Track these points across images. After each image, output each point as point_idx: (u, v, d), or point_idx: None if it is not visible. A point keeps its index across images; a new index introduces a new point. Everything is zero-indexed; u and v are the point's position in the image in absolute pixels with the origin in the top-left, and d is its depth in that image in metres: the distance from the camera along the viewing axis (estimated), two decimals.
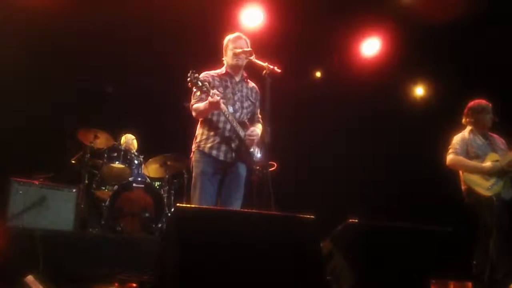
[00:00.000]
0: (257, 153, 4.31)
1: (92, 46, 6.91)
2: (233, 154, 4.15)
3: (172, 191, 6.54)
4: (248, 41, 4.38)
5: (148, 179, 6.49)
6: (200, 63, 4.61)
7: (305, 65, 8.39)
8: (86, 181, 6.11)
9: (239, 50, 4.25)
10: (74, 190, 5.14)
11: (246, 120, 4.30)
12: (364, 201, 7.46)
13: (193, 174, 4.19)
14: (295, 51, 7.59)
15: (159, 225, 5.98)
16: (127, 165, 6.26)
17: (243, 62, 4.30)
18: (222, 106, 3.95)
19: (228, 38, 4.38)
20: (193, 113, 4.16)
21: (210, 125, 4.17)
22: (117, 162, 6.23)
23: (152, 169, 6.62)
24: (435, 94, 8.47)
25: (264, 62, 4.18)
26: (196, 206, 3.82)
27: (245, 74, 4.42)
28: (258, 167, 4.27)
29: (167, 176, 6.51)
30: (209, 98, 3.89)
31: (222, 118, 4.12)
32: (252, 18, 7.30)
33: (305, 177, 8.07)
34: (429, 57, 7.58)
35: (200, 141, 4.19)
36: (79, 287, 3.70)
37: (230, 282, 2.70)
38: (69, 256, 4.28)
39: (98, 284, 3.40)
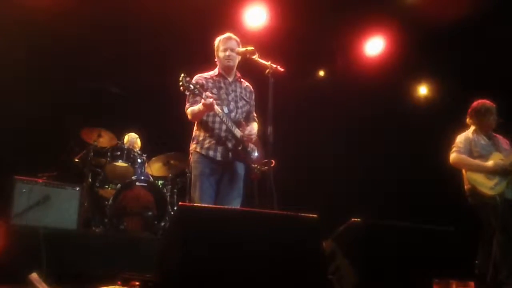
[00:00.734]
0: (255, 152, 4.35)
1: (96, 46, 6.92)
2: (230, 154, 4.19)
3: (175, 190, 6.55)
4: (238, 41, 4.38)
5: (151, 178, 6.50)
6: (203, 63, 4.63)
7: (309, 64, 8.38)
8: (90, 180, 6.14)
9: (228, 53, 4.28)
10: (77, 189, 5.14)
11: (241, 120, 4.32)
12: (365, 201, 7.45)
13: (192, 176, 4.24)
14: (298, 50, 7.58)
15: (162, 224, 5.99)
16: (130, 164, 6.28)
17: (235, 63, 4.35)
18: (216, 107, 4.00)
19: (218, 39, 4.39)
20: (189, 116, 4.22)
21: (206, 126, 4.22)
22: (120, 161, 6.25)
23: (155, 168, 6.63)
24: (438, 93, 8.46)
25: (267, 61, 4.19)
26: (199, 205, 3.83)
27: (238, 74, 4.45)
28: (256, 165, 4.32)
29: (170, 175, 6.52)
30: (202, 101, 3.94)
31: (218, 119, 4.16)
32: (256, 17, 7.31)
33: (306, 176, 8.07)
34: (433, 56, 7.56)
35: (197, 143, 4.24)
36: (82, 285, 3.71)
37: (232, 281, 2.71)
38: (73, 254, 4.30)
39: (101, 282, 3.41)
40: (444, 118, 6.81)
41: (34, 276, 3.65)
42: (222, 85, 4.32)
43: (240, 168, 4.29)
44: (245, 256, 2.79)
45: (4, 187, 4.81)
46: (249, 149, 4.29)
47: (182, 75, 3.93)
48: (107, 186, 6.33)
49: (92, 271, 4.06)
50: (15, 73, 6.48)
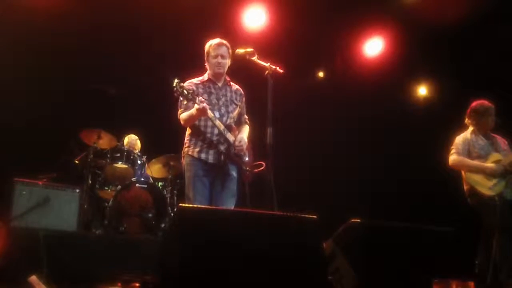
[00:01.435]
0: (246, 156, 4.42)
1: (96, 46, 6.92)
2: (222, 157, 4.25)
3: (175, 191, 6.55)
4: (229, 47, 4.40)
5: (151, 179, 6.50)
6: (203, 63, 4.63)
7: (308, 65, 8.38)
8: (90, 182, 6.13)
9: (219, 61, 4.32)
10: (77, 191, 5.15)
11: (232, 124, 4.38)
12: (365, 201, 7.46)
13: (186, 178, 4.29)
14: (297, 51, 7.59)
15: (162, 225, 5.98)
16: (130, 165, 6.28)
17: (225, 69, 4.40)
18: (209, 112, 4.05)
19: (209, 44, 4.41)
20: (181, 122, 4.27)
21: (198, 130, 4.27)
22: (120, 163, 6.25)
23: (155, 169, 6.63)
24: (438, 94, 8.46)
25: (267, 62, 4.20)
26: (199, 206, 3.85)
27: (227, 78, 4.49)
28: (248, 168, 4.40)
29: (170, 176, 6.52)
30: (196, 106, 3.99)
31: (209, 123, 4.21)
32: (255, 18, 7.31)
33: (306, 176, 8.06)
34: (432, 57, 7.57)
35: (189, 147, 4.31)
36: (82, 287, 3.71)
37: (232, 282, 2.71)
38: (73, 256, 4.28)
39: (101, 284, 3.41)
40: (443, 118, 6.81)
41: (34, 278, 3.65)
42: (213, 90, 4.37)
43: (233, 170, 4.35)
44: (245, 257, 2.80)
45: (3, 189, 4.82)
46: (241, 152, 4.35)
47: (176, 80, 4.00)
48: (107, 188, 6.33)
49: (92, 272, 4.05)
50: (15, 73, 6.49)
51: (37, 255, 4.06)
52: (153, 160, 6.59)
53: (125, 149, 6.45)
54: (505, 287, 4.62)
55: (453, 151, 5.12)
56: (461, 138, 5.15)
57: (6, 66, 6.32)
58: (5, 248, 4.07)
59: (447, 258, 3.62)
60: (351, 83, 8.07)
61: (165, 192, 6.30)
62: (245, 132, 4.50)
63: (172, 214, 6.07)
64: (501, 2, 6.58)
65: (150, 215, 5.94)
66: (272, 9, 7.25)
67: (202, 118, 4.18)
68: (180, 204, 3.04)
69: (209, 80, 4.41)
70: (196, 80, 4.42)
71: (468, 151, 5.06)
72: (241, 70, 4.59)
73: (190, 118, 4.16)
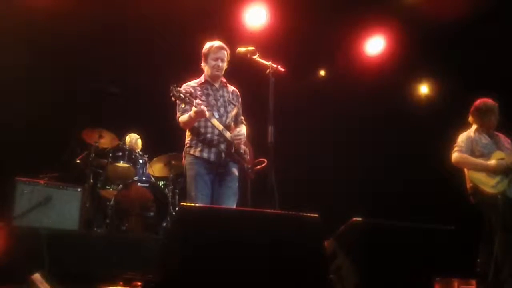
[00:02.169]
0: (246, 154, 4.46)
1: (96, 46, 6.93)
2: (223, 155, 4.28)
3: (177, 190, 6.55)
4: (228, 52, 4.43)
5: (152, 178, 6.51)
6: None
7: (309, 64, 8.38)
8: (91, 181, 6.14)
9: (219, 64, 4.36)
10: (79, 190, 5.15)
11: (231, 124, 4.41)
12: (365, 201, 7.45)
13: (187, 178, 4.31)
14: (299, 50, 7.59)
15: (164, 224, 5.99)
16: (131, 164, 6.28)
17: (223, 72, 4.43)
18: (207, 113, 4.08)
19: (209, 46, 4.42)
20: (181, 125, 4.31)
21: (198, 131, 4.31)
22: (121, 162, 6.26)
23: (156, 169, 6.64)
24: (439, 92, 8.45)
25: (268, 61, 4.20)
26: (200, 205, 3.85)
27: (223, 80, 4.53)
28: (249, 166, 4.43)
29: (171, 176, 6.52)
30: (194, 108, 4.03)
31: (209, 124, 4.24)
32: (256, 17, 7.31)
33: (306, 176, 8.06)
34: (434, 55, 7.56)
35: (190, 147, 4.34)
36: (84, 286, 3.71)
37: (233, 281, 2.71)
38: (74, 255, 4.29)
39: (103, 283, 3.41)
40: (446, 117, 6.81)
41: (36, 276, 3.65)
42: (210, 91, 4.41)
43: (234, 168, 4.38)
44: (247, 256, 2.80)
45: (5, 188, 4.82)
46: (241, 150, 4.38)
47: (172, 86, 4.04)
48: (108, 187, 6.33)
49: (94, 271, 4.06)
50: (16, 73, 6.49)
51: (39, 254, 4.06)
52: (155, 159, 6.59)
53: (127, 148, 6.46)
54: (507, 285, 4.62)
55: (456, 148, 5.12)
56: (464, 136, 5.15)
57: (13, 66, 6.34)
58: (7, 247, 4.08)
59: (448, 257, 3.61)
60: (352, 82, 8.06)
61: (166, 191, 6.30)
62: (243, 129, 4.52)
63: (173, 213, 6.07)
64: (502, 1, 6.57)
65: (151, 214, 5.95)
66: (273, 7, 7.25)
67: (202, 119, 4.21)
68: (182, 203, 3.05)
69: (206, 82, 4.45)
70: (193, 82, 4.45)
71: (471, 149, 5.05)
72: (242, 69, 4.59)
73: (189, 121, 4.18)
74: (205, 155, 4.26)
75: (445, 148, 5.31)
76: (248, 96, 4.71)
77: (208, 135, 4.27)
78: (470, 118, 5.23)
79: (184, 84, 4.39)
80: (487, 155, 5.00)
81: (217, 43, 4.41)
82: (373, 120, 8.04)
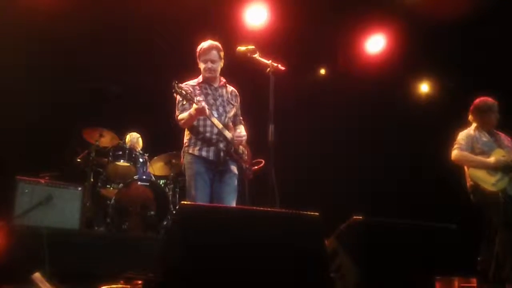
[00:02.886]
0: (244, 154, 4.47)
1: (96, 46, 6.92)
2: (222, 154, 4.29)
3: (177, 189, 6.55)
4: (220, 49, 4.40)
5: (153, 177, 6.51)
6: None
7: (310, 62, 8.38)
8: (92, 180, 6.15)
9: (209, 66, 4.36)
10: (79, 189, 5.14)
11: (230, 123, 4.42)
12: (365, 201, 7.45)
13: (187, 177, 4.32)
14: (299, 49, 7.59)
15: (164, 223, 5.99)
16: (132, 163, 6.28)
17: (217, 72, 4.43)
18: (208, 111, 4.09)
19: (199, 48, 4.42)
20: (179, 123, 4.31)
21: (197, 130, 4.31)
22: (122, 161, 6.25)
23: (157, 168, 6.64)
24: (440, 91, 8.45)
25: (268, 60, 4.20)
26: (201, 204, 3.86)
27: (222, 80, 4.53)
28: (248, 166, 4.45)
29: (172, 174, 6.53)
30: (194, 105, 4.04)
31: (208, 122, 4.24)
32: (256, 16, 7.31)
33: (307, 175, 8.06)
34: (434, 54, 7.55)
35: (188, 146, 4.35)
36: (85, 285, 3.72)
37: (234, 279, 2.71)
38: (75, 254, 4.30)
39: (104, 282, 3.41)
40: (446, 115, 6.80)
41: (37, 275, 3.66)
42: (209, 91, 4.42)
43: (233, 166, 4.38)
44: (247, 255, 2.79)
45: (6, 187, 4.82)
46: (239, 150, 4.39)
47: (174, 82, 4.05)
48: (109, 186, 6.33)
49: (94, 270, 4.06)
50: (16, 73, 6.49)
51: (40, 253, 4.06)
52: (155, 158, 6.59)
53: (127, 147, 6.45)
54: (508, 283, 4.62)
55: (456, 146, 5.12)
56: (464, 134, 5.15)
57: (14, 66, 6.34)
58: (7, 246, 4.08)
59: (449, 255, 3.61)
60: (353, 80, 8.06)
61: (167, 190, 6.30)
62: (243, 130, 4.54)
63: (174, 212, 6.07)
64: (502, 0, 6.56)
65: (152, 213, 5.94)
66: (274, 6, 7.25)
67: (201, 118, 4.22)
68: (182, 202, 3.04)
69: (204, 81, 4.45)
70: (192, 82, 4.46)
71: (471, 147, 5.06)
72: (242, 68, 4.59)
73: (189, 119, 4.18)
74: (204, 153, 4.26)
75: (446, 147, 5.31)
76: (248, 95, 4.71)
77: (207, 134, 4.28)
78: (470, 117, 5.24)
79: (184, 84, 4.40)
80: (487, 153, 5.00)
81: (206, 43, 4.40)
82: (373, 119, 8.03)
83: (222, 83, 4.52)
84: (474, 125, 5.20)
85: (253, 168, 4.45)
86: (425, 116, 7.91)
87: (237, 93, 4.63)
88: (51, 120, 6.87)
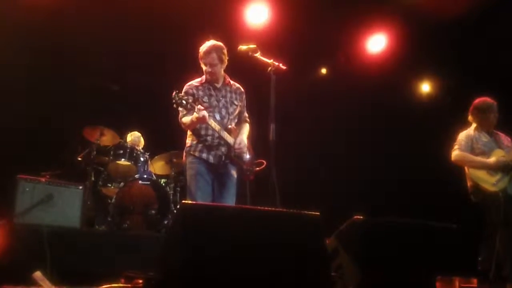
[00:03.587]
0: (246, 155, 4.49)
1: (96, 44, 6.92)
2: (223, 158, 4.34)
3: (178, 188, 6.55)
4: (220, 50, 4.36)
5: (154, 176, 6.50)
6: None
7: (311, 61, 8.37)
8: (93, 179, 6.14)
9: (209, 69, 4.34)
10: (80, 188, 5.14)
11: (233, 125, 4.44)
12: (366, 201, 7.44)
13: (188, 176, 4.36)
14: (300, 48, 7.58)
15: (165, 222, 6.00)
16: (133, 162, 6.28)
17: (219, 74, 4.41)
18: (209, 120, 4.11)
19: (200, 50, 4.40)
20: (182, 126, 4.33)
21: (199, 133, 4.35)
22: (123, 160, 6.25)
23: (158, 166, 6.64)
24: (441, 90, 8.44)
25: (270, 59, 4.20)
26: (201, 203, 3.86)
27: (227, 79, 4.51)
28: (249, 167, 4.49)
29: (173, 173, 6.52)
30: (195, 114, 4.03)
31: (210, 127, 4.25)
32: (258, 15, 7.31)
33: (307, 175, 8.05)
34: (436, 53, 7.55)
35: (190, 147, 4.39)
36: (85, 283, 3.72)
37: (235, 278, 2.71)
38: (76, 253, 4.30)
39: (104, 280, 3.41)
40: (446, 115, 6.80)
41: (38, 274, 3.66)
42: (212, 92, 4.42)
43: (233, 170, 4.43)
44: (248, 254, 2.80)
45: (7, 186, 4.82)
46: (241, 154, 4.42)
47: (175, 92, 4.04)
48: (110, 185, 6.33)
49: (95, 269, 4.06)
50: (16, 73, 6.49)
51: (40, 252, 4.07)
52: (156, 157, 6.60)
53: (128, 146, 6.45)
54: (508, 283, 4.62)
55: (456, 147, 5.13)
56: (464, 134, 5.15)
57: (15, 66, 6.34)
58: (8, 245, 4.08)
59: (450, 255, 3.61)
60: (354, 80, 8.05)
61: (168, 189, 6.31)
62: (245, 133, 4.55)
63: (174, 211, 6.07)
64: (503, 0, 6.56)
65: (153, 212, 5.95)
66: (275, 5, 7.25)
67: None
68: (183, 201, 3.05)
69: (207, 81, 4.44)
70: (195, 82, 4.46)
71: (471, 147, 5.06)
72: (243, 67, 4.59)
73: (191, 124, 4.21)
74: (204, 156, 4.31)
75: (446, 147, 5.31)
76: (249, 94, 4.71)
77: (209, 138, 4.32)
78: (470, 117, 5.24)
79: (187, 84, 4.41)
80: (487, 153, 5.01)
81: (205, 46, 4.36)
82: (374, 119, 8.03)
83: (226, 82, 4.51)
84: (473, 125, 5.20)
85: (255, 169, 4.47)
86: (426, 116, 7.90)
87: (242, 90, 4.61)
88: (52, 118, 6.87)
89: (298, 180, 7.57)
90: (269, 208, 3.39)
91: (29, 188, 4.76)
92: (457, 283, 4.63)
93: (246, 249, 2.81)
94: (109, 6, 6.57)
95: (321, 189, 7.76)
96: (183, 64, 7.10)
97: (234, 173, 4.43)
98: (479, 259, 4.96)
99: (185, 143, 4.50)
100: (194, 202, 3.70)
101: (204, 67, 4.39)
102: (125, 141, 6.65)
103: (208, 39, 4.48)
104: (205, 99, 4.34)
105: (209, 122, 4.15)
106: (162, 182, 6.56)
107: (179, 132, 4.70)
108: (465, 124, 5.27)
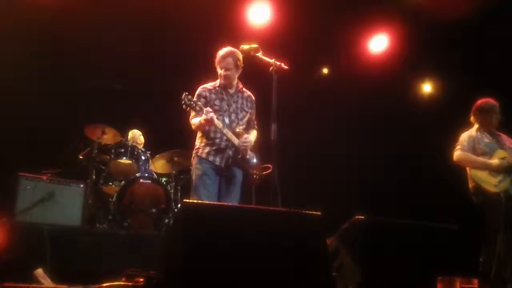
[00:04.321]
0: (253, 159, 4.55)
1: (97, 43, 6.92)
2: (230, 161, 4.41)
3: (179, 187, 6.55)
4: (236, 56, 4.45)
5: (155, 174, 6.51)
6: (207, 60, 4.64)
7: (312, 61, 8.37)
8: (94, 177, 6.14)
9: (224, 73, 4.44)
10: (81, 186, 5.15)
11: (242, 130, 4.49)
12: (366, 200, 7.44)
13: (194, 176, 4.42)
14: (302, 48, 7.58)
15: (166, 221, 6.00)
16: (134, 160, 6.28)
17: (233, 79, 4.52)
18: (216, 121, 4.21)
19: (218, 55, 4.50)
20: (192, 127, 4.43)
21: (207, 135, 4.44)
22: (124, 158, 6.25)
23: (159, 165, 6.64)
24: (443, 91, 8.44)
25: (271, 59, 4.20)
26: (203, 202, 3.87)
27: (240, 85, 4.62)
28: (255, 171, 4.53)
29: (173, 172, 6.52)
30: (203, 116, 4.14)
31: (219, 129, 4.33)
32: (259, 14, 7.31)
33: (308, 175, 8.05)
34: (437, 54, 7.54)
35: (198, 149, 4.49)
36: (86, 282, 3.72)
37: (236, 277, 2.71)
38: (77, 251, 4.31)
39: (105, 279, 3.42)
40: (448, 116, 6.79)
41: (39, 272, 3.67)
42: (224, 96, 4.51)
43: (238, 173, 4.51)
44: (249, 253, 2.80)
45: (8, 184, 4.82)
46: (248, 156, 4.47)
47: (184, 93, 4.13)
48: (111, 183, 6.33)
49: (96, 267, 4.07)
50: (17, 69, 6.50)
51: (41, 249, 4.07)
52: (157, 155, 6.59)
53: (129, 144, 6.45)
54: (509, 284, 4.62)
55: (458, 147, 5.12)
56: (466, 135, 5.15)
57: (16, 65, 6.35)
58: (9, 242, 4.09)
59: (451, 256, 3.61)
60: (355, 80, 8.04)
61: (169, 188, 6.31)
62: (251, 135, 4.61)
63: (175, 210, 6.07)
64: (506, 0, 6.55)
65: (154, 210, 5.95)
66: (277, 5, 7.25)
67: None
68: (184, 200, 3.05)
69: (221, 86, 4.54)
70: (209, 85, 4.56)
71: (473, 148, 5.06)
72: (245, 66, 4.60)
73: (200, 125, 4.32)
74: (211, 158, 4.39)
75: (447, 147, 5.31)
76: (252, 91, 4.71)
77: (217, 140, 4.40)
78: (472, 118, 5.24)
79: (201, 86, 4.51)
80: (489, 154, 5.00)
81: (223, 51, 4.48)
82: (375, 119, 8.02)
83: (239, 88, 4.61)
84: (476, 126, 5.19)
85: (261, 173, 4.52)
86: (427, 116, 7.90)
87: (253, 98, 4.71)
88: (53, 117, 6.86)
89: (299, 179, 7.56)
90: (270, 208, 3.40)
91: (30, 186, 4.77)
92: (458, 284, 4.64)
93: (247, 248, 2.81)
94: (110, 5, 6.57)
95: (322, 189, 7.75)
96: (184, 62, 7.11)
97: (239, 177, 4.51)
98: (480, 260, 4.96)
99: (186, 142, 4.56)
100: (195, 201, 3.70)
101: (219, 71, 4.48)
102: (126, 140, 6.65)
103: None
104: (217, 102, 4.44)
105: (217, 125, 4.24)
106: (163, 181, 6.56)
107: (180, 131, 4.71)
108: (467, 125, 5.26)
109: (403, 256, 3.36)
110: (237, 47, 4.44)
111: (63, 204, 4.91)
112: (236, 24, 7.21)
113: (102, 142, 6.30)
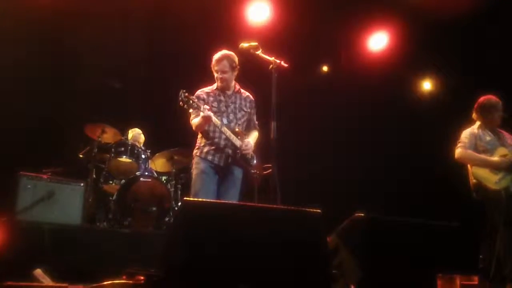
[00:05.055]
0: (254, 159, 4.60)
1: (97, 42, 6.92)
2: (229, 160, 4.46)
3: (179, 186, 6.55)
4: (231, 58, 4.50)
5: (155, 173, 6.51)
6: (207, 59, 4.64)
7: (312, 59, 8.36)
8: (94, 176, 6.14)
9: (220, 76, 4.49)
10: (81, 185, 5.15)
11: (241, 129, 4.54)
12: (366, 200, 7.42)
13: (193, 175, 4.47)
14: (302, 46, 7.58)
15: (166, 219, 6.00)
16: (134, 159, 6.28)
17: (229, 81, 4.56)
18: (214, 119, 4.26)
19: (213, 59, 4.55)
20: (193, 127, 4.48)
21: (207, 135, 4.49)
22: (124, 157, 6.25)
23: (159, 164, 6.64)
24: (443, 89, 8.43)
25: (271, 57, 4.20)
26: (203, 200, 3.86)
27: (237, 87, 4.66)
28: (256, 171, 4.62)
29: (174, 171, 6.52)
30: (201, 113, 4.19)
31: (218, 129, 4.39)
32: (259, 12, 7.31)
33: (307, 175, 8.04)
34: (437, 51, 7.54)
35: (198, 148, 4.55)
36: (86, 280, 3.72)
37: (236, 275, 2.72)
38: (77, 250, 4.31)
39: (106, 278, 3.42)
40: (449, 113, 6.79)
41: (38, 271, 3.66)
42: (222, 98, 4.57)
43: (238, 172, 4.54)
44: (249, 251, 2.80)
45: (8, 182, 4.83)
46: (248, 156, 4.51)
47: (181, 91, 4.16)
48: (111, 182, 6.33)
49: (96, 266, 4.07)
50: (16, 69, 6.50)
51: (42, 248, 4.08)
52: (157, 154, 6.59)
53: (129, 143, 6.45)
54: (509, 281, 4.62)
55: (459, 144, 5.13)
56: (468, 132, 5.15)
57: (6, 62, 6.34)
58: (9, 241, 4.09)
59: (451, 253, 3.61)
60: (355, 78, 8.04)
61: (169, 186, 6.31)
62: (252, 137, 4.67)
63: (176, 208, 6.08)
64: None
65: (154, 209, 5.95)
66: (276, 3, 7.25)
67: (212, 123, 4.34)
68: (184, 198, 3.05)
69: (218, 88, 4.59)
70: (207, 89, 4.61)
71: (474, 145, 5.06)
72: (245, 65, 4.60)
73: (199, 125, 4.35)
74: (210, 157, 4.44)
75: (447, 146, 5.31)
76: (251, 92, 4.72)
77: (216, 140, 4.45)
78: (474, 115, 5.24)
79: (199, 90, 4.56)
80: (490, 151, 5.00)
81: (217, 55, 4.52)
82: (375, 118, 8.02)
83: (236, 90, 4.64)
84: (477, 123, 5.19)
85: (262, 173, 4.55)
86: (428, 115, 7.89)
87: (252, 98, 4.73)
88: (54, 116, 6.87)
89: (299, 178, 7.56)
90: (270, 205, 3.40)
91: (30, 185, 4.77)
92: (458, 281, 4.63)
93: (247, 246, 2.81)
94: (110, 5, 6.57)
95: (321, 187, 7.74)
96: (184, 61, 7.11)
97: (239, 175, 4.53)
98: (480, 257, 4.96)
99: (186, 141, 4.57)
100: (195, 200, 3.71)
101: (215, 74, 4.52)
102: (127, 138, 6.65)
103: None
104: (215, 104, 4.49)
105: (215, 122, 4.27)
106: (163, 180, 6.56)
107: (180, 130, 4.72)
108: (469, 122, 5.26)
109: (403, 254, 3.36)
110: (236, 45, 4.44)
111: (64, 203, 4.91)
112: (235, 23, 7.21)
113: (102, 141, 6.30)
